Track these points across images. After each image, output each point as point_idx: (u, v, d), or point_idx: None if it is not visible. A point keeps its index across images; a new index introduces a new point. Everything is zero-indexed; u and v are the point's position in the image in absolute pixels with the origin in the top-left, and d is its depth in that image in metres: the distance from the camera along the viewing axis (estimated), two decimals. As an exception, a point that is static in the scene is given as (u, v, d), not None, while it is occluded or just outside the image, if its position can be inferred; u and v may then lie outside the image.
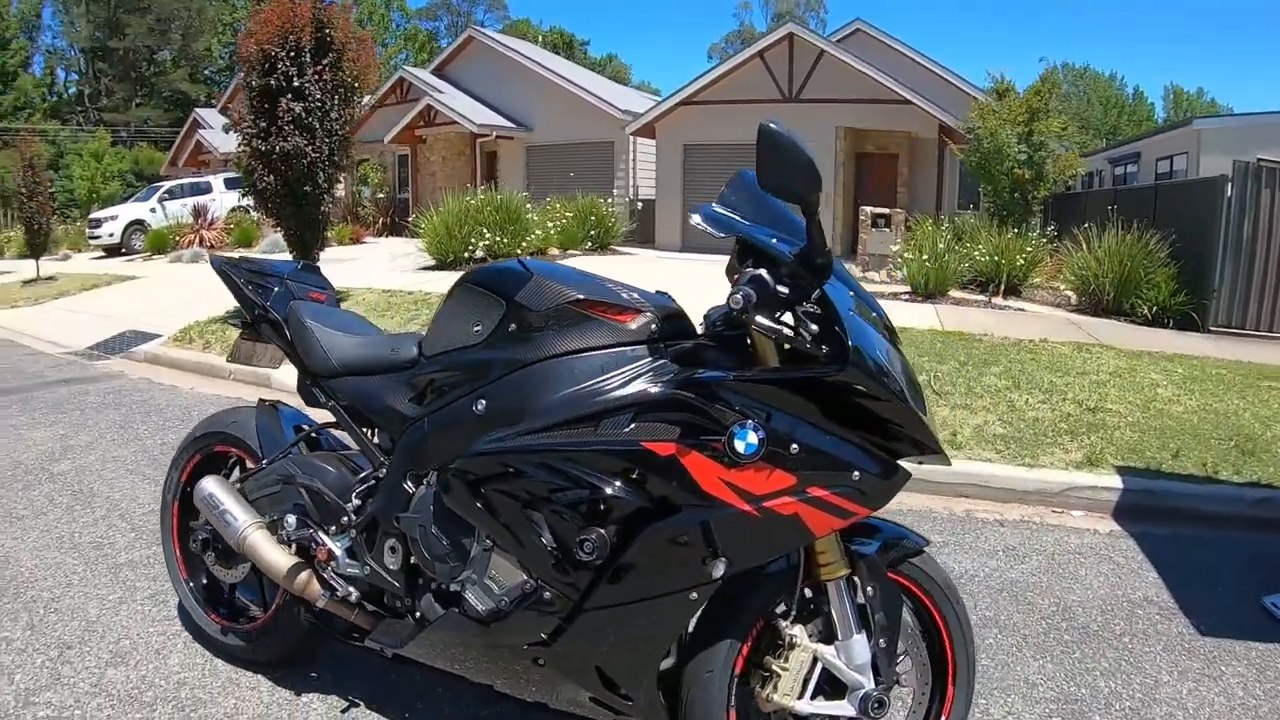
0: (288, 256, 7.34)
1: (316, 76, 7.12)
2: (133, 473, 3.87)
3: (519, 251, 9.83)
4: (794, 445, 1.39)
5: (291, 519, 2.02)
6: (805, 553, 1.53)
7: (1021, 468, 3.88)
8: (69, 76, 44.35)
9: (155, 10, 39.97)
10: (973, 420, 4.44)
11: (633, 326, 1.54)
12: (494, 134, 17.30)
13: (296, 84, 7.02)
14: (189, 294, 9.17)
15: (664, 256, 13.21)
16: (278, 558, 2.00)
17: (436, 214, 10.26)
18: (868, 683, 1.52)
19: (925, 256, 8.34)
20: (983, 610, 2.62)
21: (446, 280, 8.58)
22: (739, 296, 1.35)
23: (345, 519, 1.93)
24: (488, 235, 9.78)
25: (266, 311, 2.17)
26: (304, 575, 1.97)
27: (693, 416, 1.41)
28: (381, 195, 17.85)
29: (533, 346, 1.57)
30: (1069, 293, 8.75)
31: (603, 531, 1.45)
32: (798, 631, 1.51)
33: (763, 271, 1.41)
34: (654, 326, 1.53)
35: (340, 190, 19.90)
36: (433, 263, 10.24)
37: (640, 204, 16.31)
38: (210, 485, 2.15)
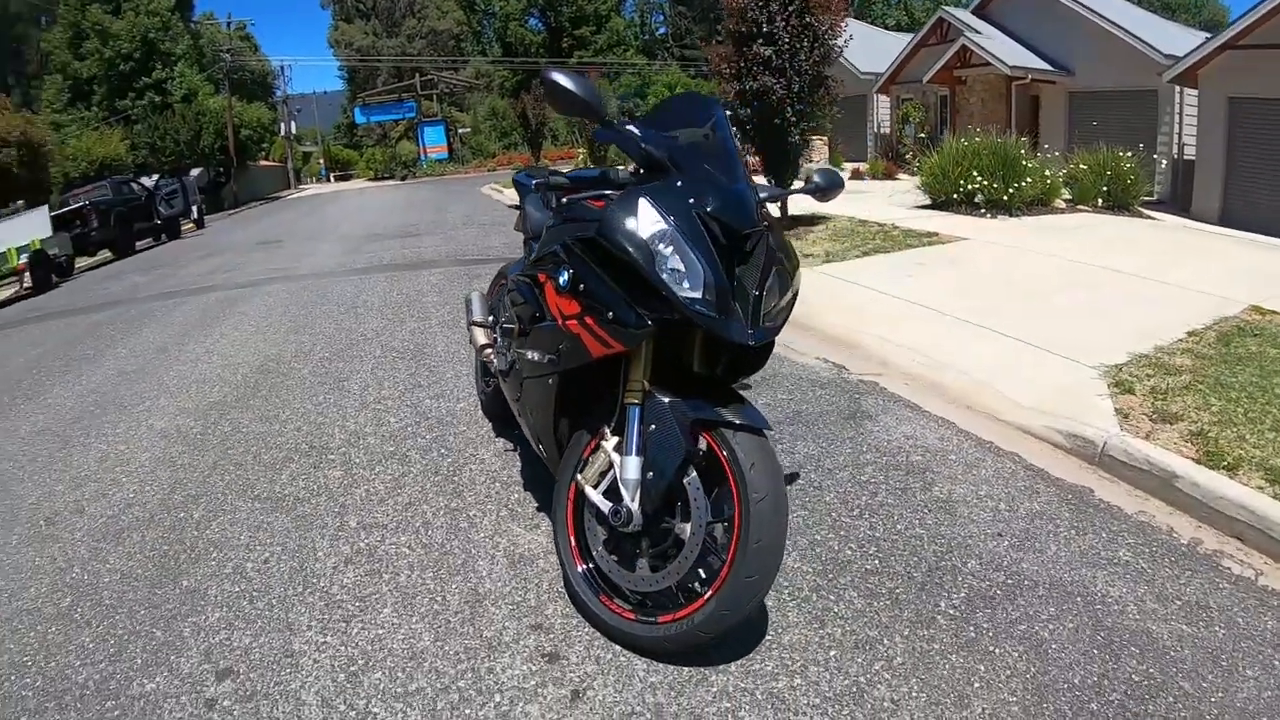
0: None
1: (784, 23, 8.09)
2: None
3: (1006, 197, 9.36)
4: (582, 285, 1.97)
5: (492, 317, 3.29)
6: (624, 381, 1.98)
7: (1331, 522, 2.87)
8: (656, 18, 53.78)
9: (726, -42, 45.78)
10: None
11: (597, 207, 2.09)
12: (1029, 77, 15.74)
13: (766, 30, 8.12)
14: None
15: (1188, 226, 10.36)
16: (479, 339, 3.27)
17: (937, 155, 10.37)
18: (628, 499, 1.88)
19: None
20: (1039, 633, 2.10)
21: (927, 218, 9.22)
22: (545, 179, 2.12)
23: (506, 316, 3.08)
24: (978, 179, 9.57)
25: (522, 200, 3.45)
26: (489, 351, 3.11)
27: (555, 259, 2.11)
28: (923, 135, 17.86)
29: (552, 219, 2.41)
30: None
31: (520, 325, 2.36)
32: (610, 439, 2.01)
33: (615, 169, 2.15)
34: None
35: (885, 128, 20.72)
36: (928, 202, 10.42)
37: (1167, 163, 13.22)
38: (471, 294, 3.52)
